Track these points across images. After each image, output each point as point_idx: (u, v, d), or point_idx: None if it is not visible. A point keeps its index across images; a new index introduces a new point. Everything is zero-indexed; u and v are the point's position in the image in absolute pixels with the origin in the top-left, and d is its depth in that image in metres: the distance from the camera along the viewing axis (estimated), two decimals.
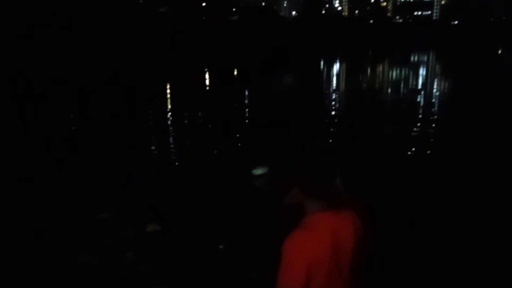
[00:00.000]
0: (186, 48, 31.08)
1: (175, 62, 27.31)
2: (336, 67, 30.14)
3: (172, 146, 8.47)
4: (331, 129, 9.33)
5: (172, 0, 37.82)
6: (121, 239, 3.94)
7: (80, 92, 16.90)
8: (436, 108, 12.44)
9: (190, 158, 7.11)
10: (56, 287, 3.25)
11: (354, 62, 32.55)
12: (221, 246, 3.69)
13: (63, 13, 26.88)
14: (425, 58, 36.76)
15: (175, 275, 3.36)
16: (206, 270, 3.40)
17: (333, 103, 13.72)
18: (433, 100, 14.23)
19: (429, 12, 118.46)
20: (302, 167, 1.32)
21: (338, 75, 24.62)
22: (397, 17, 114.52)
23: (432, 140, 8.42)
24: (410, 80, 21.04)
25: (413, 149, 7.71)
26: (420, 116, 11.00)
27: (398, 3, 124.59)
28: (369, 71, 26.41)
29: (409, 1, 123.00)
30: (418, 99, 14.39)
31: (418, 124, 9.85)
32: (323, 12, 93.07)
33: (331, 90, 17.39)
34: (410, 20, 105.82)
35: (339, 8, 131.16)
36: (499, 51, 40.02)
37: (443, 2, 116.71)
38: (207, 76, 23.77)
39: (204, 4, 41.95)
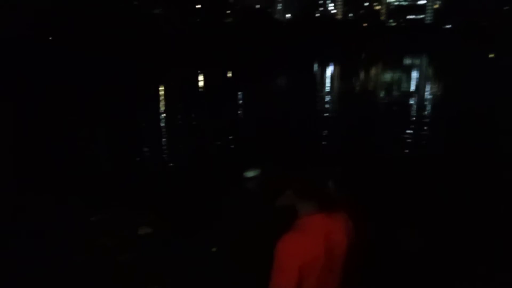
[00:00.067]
0: (181, 50, 31.08)
1: (170, 63, 27.36)
2: (329, 69, 30.28)
3: (170, 147, 8.46)
4: (325, 131, 9.34)
5: (167, 1, 37.82)
6: (121, 239, 3.94)
7: (80, 92, 16.90)
8: (434, 109, 12.51)
9: (188, 159, 7.10)
10: (56, 287, 3.25)
11: (348, 65, 32.70)
12: (214, 249, 3.68)
13: (63, 13, 26.88)
14: (418, 61, 37.12)
15: (175, 275, 3.36)
16: (206, 270, 3.41)
17: (327, 105, 13.76)
18: (431, 102, 14.31)
19: (422, 16, 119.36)
20: (295, 169, 1.32)
21: (331, 77, 24.72)
22: (391, 20, 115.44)
23: (431, 141, 8.43)
24: (404, 83, 21.17)
25: (413, 149, 7.72)
26: (418, 117, 11.07)
27: (392, 7, 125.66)
28: (362, 74, 26.58)
29: (403, 5, 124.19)
30: (416, 101, 14.47)
31: (416, 125, 9.88)
32: (317, 14, 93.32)
33: (325, 92, 17.47)
34: (403, 24, 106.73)
35: (333, 11, 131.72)
36: (491, 55, 40.38)
37: (435, 6, 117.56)
38: (201, 77, 23.81)
39: (199, 6, 41.98)
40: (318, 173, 1.31)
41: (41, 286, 3.24)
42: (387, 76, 25.42)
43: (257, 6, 67.30)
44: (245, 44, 36.15)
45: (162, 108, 13.38)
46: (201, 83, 21.54)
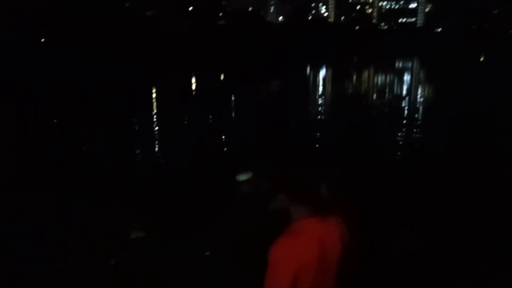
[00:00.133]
0: (173, 52, 31.08)
1: (162, 65, 27.41)
2: (322, 72, 30.41)
3: (164, 149, 8.45)
4: (319, 134, 9.36)
5: (159, 4, 37.81)
6: (121, 239, 3.94)
7: (79, 92, 16.91)
8: (428, 110, 12.61)
9: (183, 161, 7.07)
10: (56, 287, 3.25)
11: (340, 68, 32.85)
12: (207, 253, 3.68)
13: (63, 13, 26.88)
14: (410, 64, 37.42)
15: (175, 275, 3.36)
16: (206, 270, 3.41)
17: (319, 108, 13.82)
18: (424, 103, 14.41)
19: (414, 19, 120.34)
20: (288, 173, 1.31)
21: (324, 80, 24.82)
22: (382, 23, 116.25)
23: (428, 141, 8.45)
24: (396, 85, 21.33)
25: (410, 150, 7.74)
26: (413, 118, 11.16)
27: (383, 10, 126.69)
28: (355, 76, 26.73)
29: (394, 8, 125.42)
30: (409, 103, 14.58)
31: (412, 126, 9.95)
32: (310, 17, 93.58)
33: (318, 95, 17.52)
34: (395, 27, 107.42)
35: (325, 14, 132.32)
36: (481, 58, 40.65)
37: (427, 10, 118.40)
38: (194, 80, 23.85)
39: (190, 8, 41.98)
40: (311, 175, 1.31)
41: (41, 286, 3.25)
42: (380, 79, 25.56)
43: (250, 9, 67.63)
44: (237, 47, 36.21)
45: (156, 110, 13.38)
46: (194, 86, 21.58)
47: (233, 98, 15.99)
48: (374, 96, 17.16)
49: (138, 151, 8.11)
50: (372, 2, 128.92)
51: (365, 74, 28.92)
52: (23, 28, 24.50)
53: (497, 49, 46.54)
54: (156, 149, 8.37)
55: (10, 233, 3.97)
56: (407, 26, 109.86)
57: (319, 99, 16.18)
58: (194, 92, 19.38)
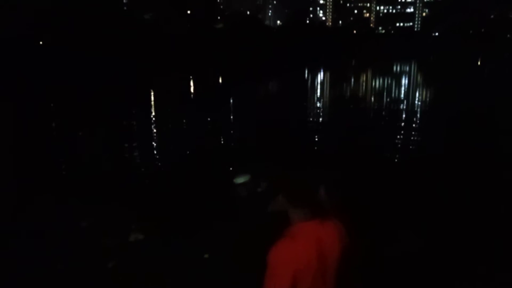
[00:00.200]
0: (171, 54, 31.11)
1: (161, 67, 27.44)
2: (320, 75, 30.53)
3: (162, 150, 8.44)
4: (317, 136, 9.36)
5: (157, 7, 37.86)
6: (121, 240, 3.94)
7: (80, 92, 16.90)
8: (428, 112, 12.66)
9: (181, 163, 7.06)
10: (56, 287, 3.24)
11: (338, 71, 32.98)
12: (206, 255, 3.68)
13: (63, 13, 26.87)
14: (407, 67, 37.65)
15: (175, 275, 3.36)
16: (206, 271, 3.41)
17: (317, 111, 13.84)
18: (423, 105, 14.45)
19: (411, 24, 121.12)
20: (287, 175, 1.32)
21: (322, 83, 24.88)
22: (380, 27, 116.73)
23: (428, 142, 8.47)
24: (394, 88, 21.39)
25: (410, 151, 7.75)
26: (412, 120, 11.18)
27: (381, 14, 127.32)
28: (353, 80, 26.85)
29: (392, 13, 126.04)
30: (408, 105, 14.61)
31: (412, 128, 9.96)
32: (308, 21, 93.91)
33: (316, 98, 17.53)
34: (392, 31, 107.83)
35: (323, 18, 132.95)
36: (479, 62, 40.86)
37: (424, 14, 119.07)
38: (192, 83, 23.88)
39: (189, 11, 42.04)
40: (310, 178, 1.32)
41: (41, 286, 3.24)
42: (378, 82, 25.66)
43: (248, 12, 67.85)
44: (236, 49, 36.29)
45: (154, 112, 13.38)
46: (192, 87, 21.60)
47: (231, 100, 16.00)
48: (372, 98, 17.21)
49: (137, 152, 8.11)
50: (370, 7, 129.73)
51: (363, 77, 29.05)
52: (23, 28, 24.47)
53: (495, 52, 46.80)
54: (156, 149, 8.37)
55: (10, 233, 3.96)
56: (404, 30, 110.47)
57: (317, 102, 16.21)
58: (193, 93, 19.39)
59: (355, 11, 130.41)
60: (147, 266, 3.48)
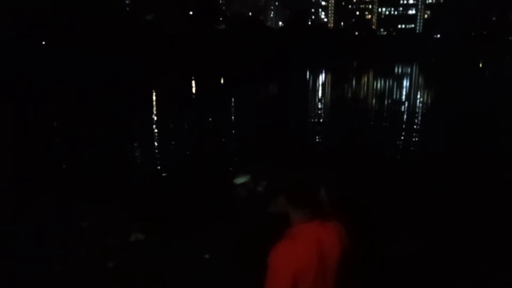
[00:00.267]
0: (173, 55, 31.13)
1: (163, 68, 27.46)
2: (321, 76, 30.58)
3: (162, 151, 8.44)
4: (318, 137, 9.36)
5: (159, 8, 37.92)
6: (121, 240, 3.94)
7: (80, 92, 16.90)
8: (428, 113, 12.67)
9: (181, 164, 7.07)
10: (56, 287, 3.24)
11: (340, 73, 33.02)
12: (207, 256, 3.68)
13: (63, 13, 26.89)
14: (409, 69, 37.70)
15: (175, 275, 3.36)
16: (206, 270, 3.40)
17: (319, 111, 13.84)
18: (424, 107, 14.47)
19: (413, 26, 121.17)
20: (288, 177, 1.32)
21: (323, 84, 24.91)
22: (381, 29, 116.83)
23: (428, 143, 8.47)
24: (395, 90, 21.42)
25: (410, 151, 7.75)
26: (413, 121, 11.20)
27: (383, 16, 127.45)
28: (354, 81, 26.88)
29: (393, 14, 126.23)
30: (409, 106, 14.63)
31: (413, 129, 9.97)
32: (309, 23, 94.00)
33: (317, 99, 17.54)
34: (394, 33, 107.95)
35: (325, 20, 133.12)
36: (480, 64, 40.93)
37: (426, 16, 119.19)
38: (194, 83, 23.90)
39: (191, 12, 42.11)
40: (310, 179, 1.32)
41: (41, 286, 3.24)
42: (379, 83, 25.69)
43: (250, 14, 67.88)
44: (237, 51, 36.34)
45: (155, 113, 13.39)
46: (194, 89, 21.62)
47: (232, 100, 16.01)
48: (373, 99, 17.23)
49: (137, 152, 8.11)
50: (372, 8, 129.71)
51: (364, 78, 29.08)
52: (23, 28, 24.48)
53: (496, 54, 46.88)
54: (156, 149, 8.37)
55: (10, 233, 3.96)
56: (406, 32, 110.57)
57: (319, 103, 16.23)
58: (194, 93, 19.40)
59: (357, 13, 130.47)
60: (147, 266, 3.48)
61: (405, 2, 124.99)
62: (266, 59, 35.77)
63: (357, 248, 1.47)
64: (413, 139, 8.91)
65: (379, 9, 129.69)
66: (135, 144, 8.65)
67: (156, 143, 8.87)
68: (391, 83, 25.33)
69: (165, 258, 3.58)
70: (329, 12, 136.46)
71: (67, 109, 13.00)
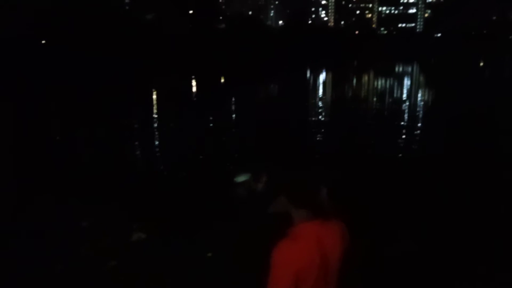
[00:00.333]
0: (174, 55, 31.11)
1: (163, 68, 27.45)
2: (322, 76, 30.58)
3: (163, 150, 8.44)
4: (319, 136, 9.36)
5: (159, 7, 37.94)
6: (121, 240, 3.94)
7: (80, 92, 16.91)
8: (428, 113, 12.68)
9: (182, 163, 7.07)
10: (56, 287, 3.24)
11: (340, 72, 33.01)
12: (209, 254, 3.68)
13: (63, 13, 26.89)
14: (409, 68, 37.67)
15: (175, 275, 3.36)
16: (206, 270, 3.41)
17: (319, 110, 13.86)
18: (424, 106, 14.47)
19: (413, 25, 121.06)
20: (289, 176, 1.32)
21: (324, 84, 24.92)
22: (382, 28, 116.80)
23: (429, 142, 8.47)
24: (396, 89, 21.42)
25: (411, 151, 7.75)
26: (413, 121, 11.22)
27: (383, 15, 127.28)
28: (354, 80, 26.86)
29: (394, 13, 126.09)
30: (409, 106, 14.64)
31: (413, 128, 9.98)
32: (309, 22, 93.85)
33: (318, 98, 17.55)
34: (394, 32, 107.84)
35: (325, 19, 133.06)
36: (481, 64, 40.87)
37: (426, 15, 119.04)
38: (194, 82, 23.90)
39: (191, 12, 42.13)
40: (311, 178, 1.32)
41: (41, 286, 3.24)
42: (379, 82, 25.68)
43: (249, 13, 67.81)
44: (238, 50, 36.35)
45: (155, 112, 13.39)
46: (194, 88, 21.63)
47: (233, 100, 16.01)
48: (374, 99, 17.23)
49: (138, 152, 8.11)
50: (372, 7, 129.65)
51: (365, 78, 29.06)
52: (23, 28, 24.48)
53: (497, 54, 46.83)
54: (156, 149, 8.37)
55: (10, 233, 3.96)
56: (406, 31, 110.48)
57: (319, 102, 16.23)
58: (194, 93, 19.40)
59: (357, 12, 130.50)
60: (147, 266, 3.48)
61: (405, 1, 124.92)
62: (266, 58, 35.77)
63: (357, 248, 1.47)
64: (414, 139, 8.91)
65: (380, 8, 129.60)
66: (135, 144, 8.65)
67: (156, 143, 8.87)
68: (391, 82, 25.33)
69: (165, 258, 3.58)
70: (329, 11, 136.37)
71: (67, 109, 12.99)
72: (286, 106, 13.91)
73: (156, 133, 9.91)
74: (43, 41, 26.79)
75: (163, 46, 31.86)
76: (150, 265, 3.50)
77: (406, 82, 25.52)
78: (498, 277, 3.26)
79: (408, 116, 12.18)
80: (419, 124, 10.79)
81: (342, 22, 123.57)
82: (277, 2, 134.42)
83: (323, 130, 10.05)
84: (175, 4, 38.93)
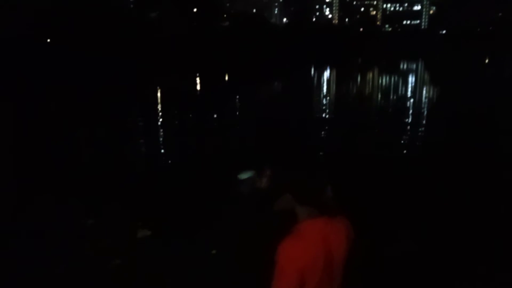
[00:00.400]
0: (178, 52, 31.09)
1: (167, 66, 27.44)
2: (326, 73, 30.53)
3: (167, 148, 8.46)
4: (324, 134, 9.36)
5: (163, 5, 37.94)
6: (122, 240, 3.94)
7: (80, 92, 16.91)
8: (431, 112, 12.66)
9: (186, 161, 7.08)
10: (56, 287, 3.25)
11: (345, 69, 32.98)
12: (213, 251, 3.69)
13: (63, 13, 26.88)
14: (414, 65, 37.67)
15: (175, 275, 3.36)
16: (206, 270, 3.41)
17: (324, 108, 13.84)
18: (427, 104, 14.45)
19: (418, 22, 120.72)
20: (295, 174, 1.32)
21: (328, 81, 24.91)
22: (386, 25, 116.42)
23: (430, 142, 8.47)
24: (400, 87, 21.39)
25: (412, 150, 7.74)
26: (415, 120, 11.19)
27: (388, 12, 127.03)
28: (359, 78, 26.82)
29: (398, 11, 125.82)
30: (413, 104, 14.62)
31: (415, 127, 9.97)
32: (314, 19, 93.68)
33: (322, 95, 17.54)
34: (399, 29, 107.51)
35: (330, 16, 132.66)
36: (486, 60, 40.79)
37: (431, 12, 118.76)
38: (198, 80, 23.89)
39: (195, 10, 42.14)
40: (317, 178, 1.32)
41: (41, 286, 3.24)
42: (384, 80, 25.65)
43: (254, 11, 67.68)
44: (242, 48, 36.33)
45: (159, 110, 13.39)
46: (198, 86, 21.63)
47: (237, 98, 16.01)
48: (378, 97, 17.21)
49: (138, 151, 8.11)
50: (376, 5, 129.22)
51: (369, 75, 29.01)
52: (23, 28, 24.47)
53: (502, 51, 46.65)
54: (157, 148, 8.37)
55: (10, 233, 3.97)
56: (411, 28, 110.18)
57: (324, 100, 16.21)
58: (197, 92, 19.39)
59: (362, 9, 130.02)
60: (147, 265, 3.49)
61: None
62: (270, 56, 35.70)
63: (357, 248, 1.47)
64: (414, 139, 8.90)
65: (384, 5, 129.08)
66: (135, 144, 8.64)
67: (156, 143, 8.86)
68: (396, 80, 25.25)
69: (166, 258, 3.59)
70: (334, 8, 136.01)
71: (67, 109, 12.98)
72: (291, 104, 13.88)
73: (157, 132, 9.91)
74: (43, 41, 26.76)
75: (164, 45, 31.84)
76: (150, 265, 3.50)
77: (411, 79, 25.46)
78: (498, 277, 3.26)
79: (411, 115, 12.15)
80: (421, 123, 10.77)
81: (347, 20, 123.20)
82: (281, 0, 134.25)
83: (326, 128, 10.05)
84: (177, 2, 38.91)
